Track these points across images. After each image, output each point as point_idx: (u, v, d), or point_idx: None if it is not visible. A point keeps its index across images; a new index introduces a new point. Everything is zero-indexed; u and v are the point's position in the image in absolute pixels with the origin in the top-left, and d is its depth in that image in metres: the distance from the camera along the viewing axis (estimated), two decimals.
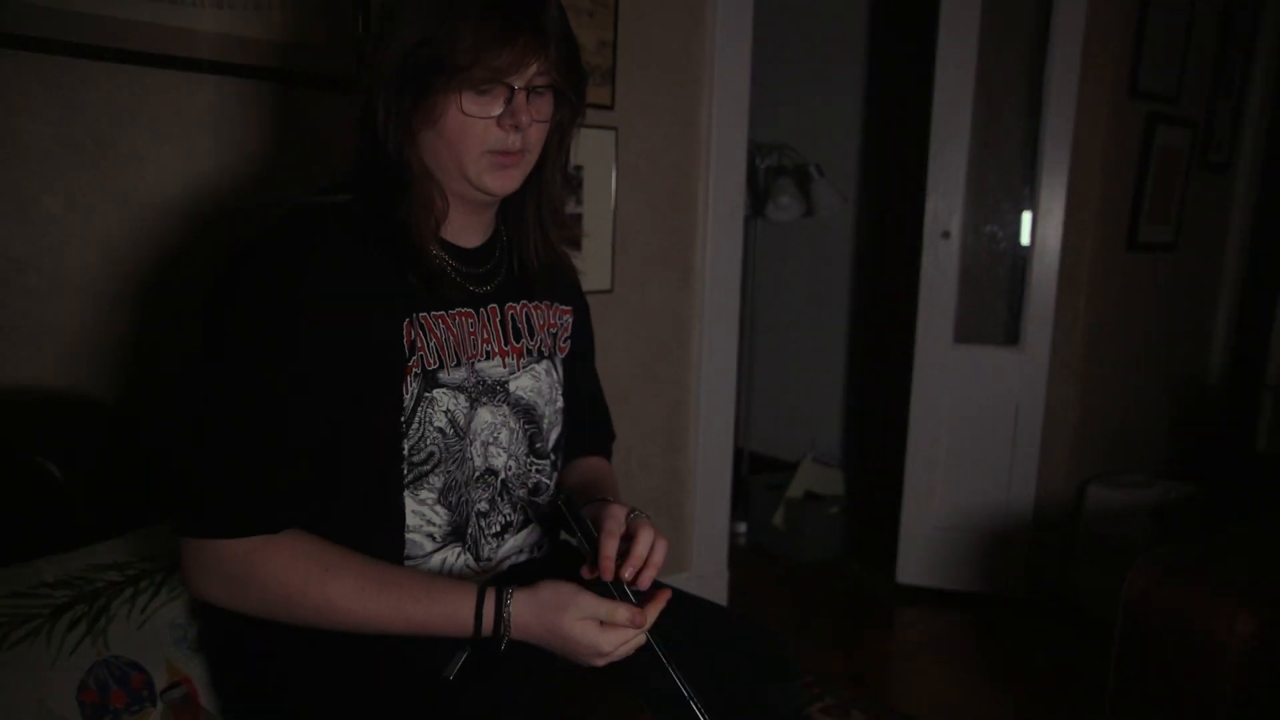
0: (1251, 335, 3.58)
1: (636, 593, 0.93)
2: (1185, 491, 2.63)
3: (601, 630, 0.88)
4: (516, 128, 0.91)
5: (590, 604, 0.88)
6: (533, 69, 0.90)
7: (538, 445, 1.08)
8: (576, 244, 1.14)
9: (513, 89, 0.90)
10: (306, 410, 0.88)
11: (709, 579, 2.44)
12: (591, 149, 2.04)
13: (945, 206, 2.62)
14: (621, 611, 0.88)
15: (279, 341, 0.87)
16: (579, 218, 2.05)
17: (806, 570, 2.91)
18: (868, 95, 3.21)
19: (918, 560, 2.72)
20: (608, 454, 1.26)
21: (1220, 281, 3.30)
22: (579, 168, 2.04)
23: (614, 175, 2.11)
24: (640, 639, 0.90)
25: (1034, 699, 2.16)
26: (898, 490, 2.73)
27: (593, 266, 2.09)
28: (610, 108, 2.06)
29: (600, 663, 0.90)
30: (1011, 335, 2.71)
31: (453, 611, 0.88)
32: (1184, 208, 2.95)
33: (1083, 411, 2.69)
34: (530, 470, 1.07)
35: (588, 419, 1.21)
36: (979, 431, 2.65)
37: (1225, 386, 3.41)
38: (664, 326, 2.28)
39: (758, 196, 3.14)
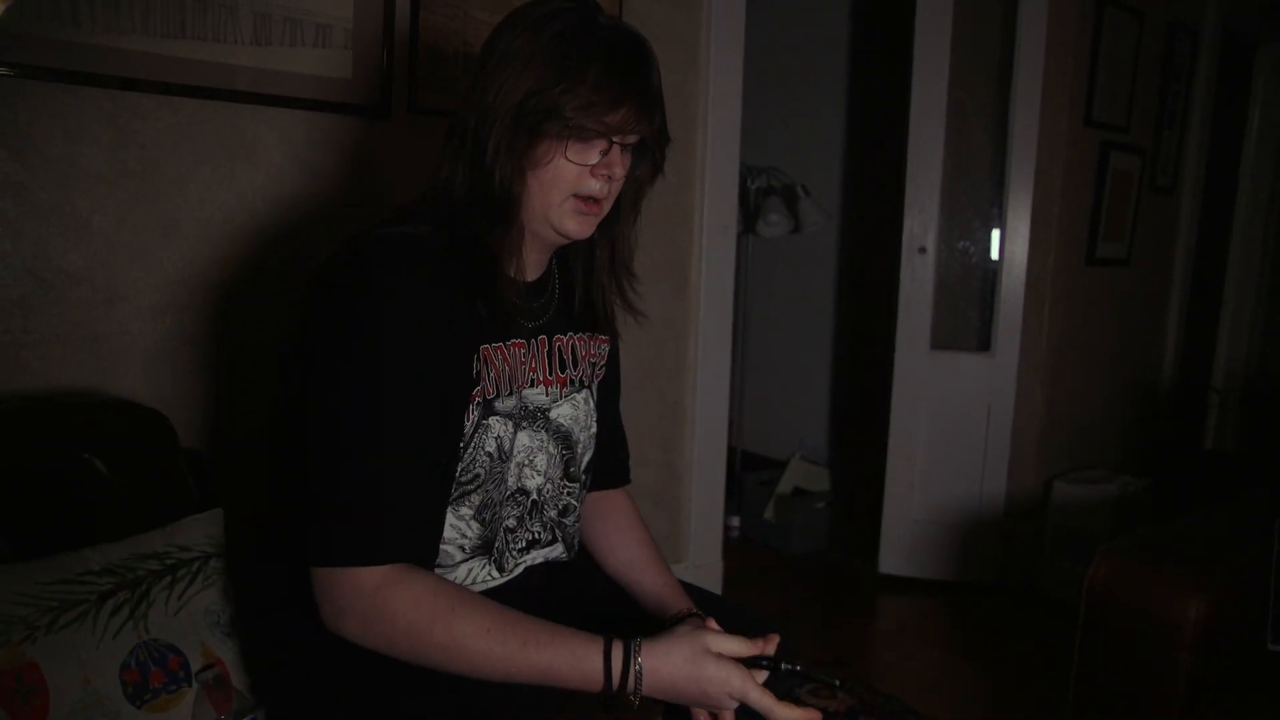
0: (1199, 343, 3.58)
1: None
2: (1142, 486, 2.62)
3: (739, 669, 0.84)
4: (610, 177, 0.91)
5: (726, 643, 0.85)
6: (636, 129, 0.91)
7: (571, 469, 1.05)
8: (634, 289, 1.10)
9: (612, 142, 0.90)
10: (412, 438, 0.85)
11: (704, 569, 2.42)
12: None
13: (921, 224, 2.61)
14: (738, 644, 0.87)
15: (387, 374, 0.84)
16: None
17: (795, 561, 2.89)
18: (850, 121, 3.21)
19: (898, 551, 2.71)
20: (627, 479, 1.21)
21: (1170, 293, 3.30)
22: None
23: None
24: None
25: (1006, 678, 2.14)
26: (880, 486, 2.71)
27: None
28: None
29: (734, 703, 0.85)
30: (983, 342, 2.70)
31: (579, 660, 0.82)
32: (1136, 226, 2.95)
33: (1049, 413, 2.68)
34: (562, 493, 1.04)
35: (612, 451, 1.17)
36: (954, 432, 2.64)
37: (1176, 390, 3.40)
38: (662, 334, 2.28)
39: (749, 215, 3.13)
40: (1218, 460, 3.39)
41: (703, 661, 0.83)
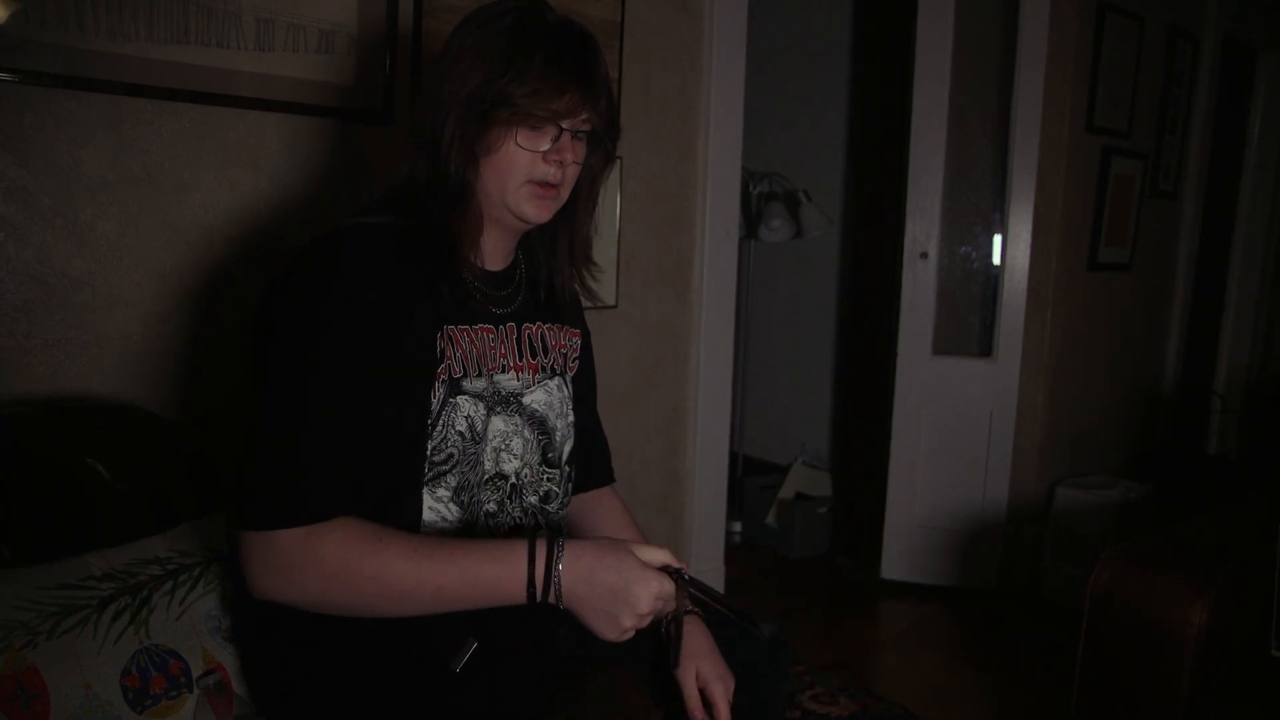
0: (1201, 348, 3.57)
1: None
2: (1144, 491, 2.61)
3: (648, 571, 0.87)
4: (560, 163, 0.95)
5: (649, 553, 0.89)
6: (581, 116, 0.95)
7: (550, 455, 1.06)
8: (593, 276, 1.15)
9: (561, 129, 0.94)
10: (350, 409, 0.87)
11: (706, 573, 2.42)
12: None
13: (923, 229, 2.61)
14: (660, 554, 0.89)
15: (326, 348, 0.87)
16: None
17: (797, 566, 2.88)
18: (852, 127, 3.21)
19: (900, 556, 2.70)
20: (612, 477, 1.23)
21: (1172, 298, 3.30)
22: None
23: (619, 201, 2.11)
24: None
25: (1008, 683, 2.13)
26: (882, 491, 2.71)
27: (599, 284, 2.08)
28: None
29: (642, 609, 0.85)
30: (985, 347, 2.70)
31: (505, 553, 0.85)
32: (1138, 231, 2.95)
33: (1051, 418, 2.68)
34: (542, 478, 1.05)
35: (592, 450, 1.19)
36: (956, 437, 2.63)
37: (1178, 395, 3.39)
38: (664, 339, 2.27)
39: (751, 220, 3.13)
40: (1220, 465, 3.38)
41: (623, 551, 0.87)
